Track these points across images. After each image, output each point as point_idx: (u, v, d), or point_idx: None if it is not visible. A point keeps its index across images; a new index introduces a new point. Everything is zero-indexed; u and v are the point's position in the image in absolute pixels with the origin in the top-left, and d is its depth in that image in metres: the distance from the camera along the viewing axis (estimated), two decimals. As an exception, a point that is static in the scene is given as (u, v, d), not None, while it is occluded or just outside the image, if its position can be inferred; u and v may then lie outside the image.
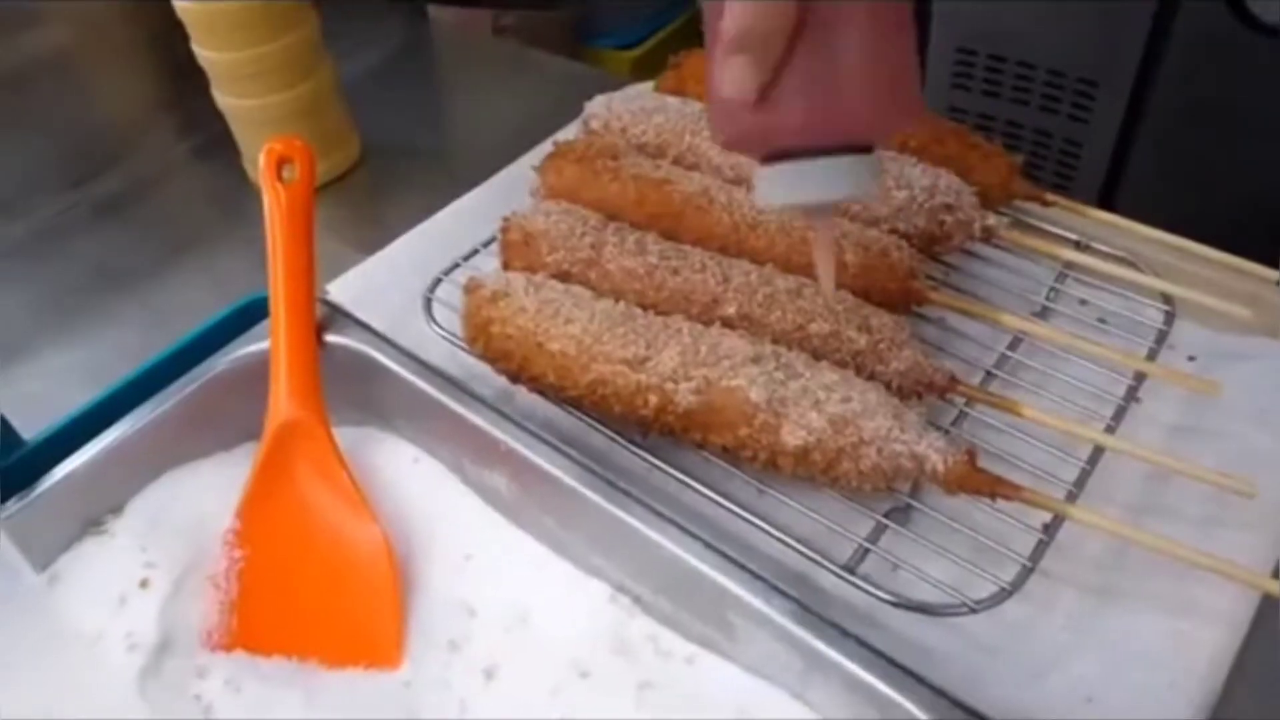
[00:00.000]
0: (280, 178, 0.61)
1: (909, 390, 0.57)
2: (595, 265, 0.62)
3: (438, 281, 0.71)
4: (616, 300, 0.59)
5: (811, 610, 0.45)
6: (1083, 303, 0.69)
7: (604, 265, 0.62)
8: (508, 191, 0.81)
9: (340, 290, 0.75)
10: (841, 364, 0.57)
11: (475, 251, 0.73)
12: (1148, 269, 0.67)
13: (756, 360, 0.53)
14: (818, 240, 0.45)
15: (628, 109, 0.73)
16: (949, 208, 0.65)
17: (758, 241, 0.63)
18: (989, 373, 0.63)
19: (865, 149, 0.38)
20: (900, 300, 0.63)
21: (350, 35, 1.04)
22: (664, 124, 0.72)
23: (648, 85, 0.80)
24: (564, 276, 0.62)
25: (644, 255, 0.61)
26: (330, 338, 0.60)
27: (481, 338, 0.59)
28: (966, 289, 0.69)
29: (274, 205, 0.60)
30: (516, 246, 0.65)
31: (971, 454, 0.51)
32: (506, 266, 0.66)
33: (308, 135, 0.87)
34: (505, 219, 0.67)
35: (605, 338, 0.56)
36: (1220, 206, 0.81)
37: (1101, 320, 0.68)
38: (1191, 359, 0.67)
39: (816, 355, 0.57)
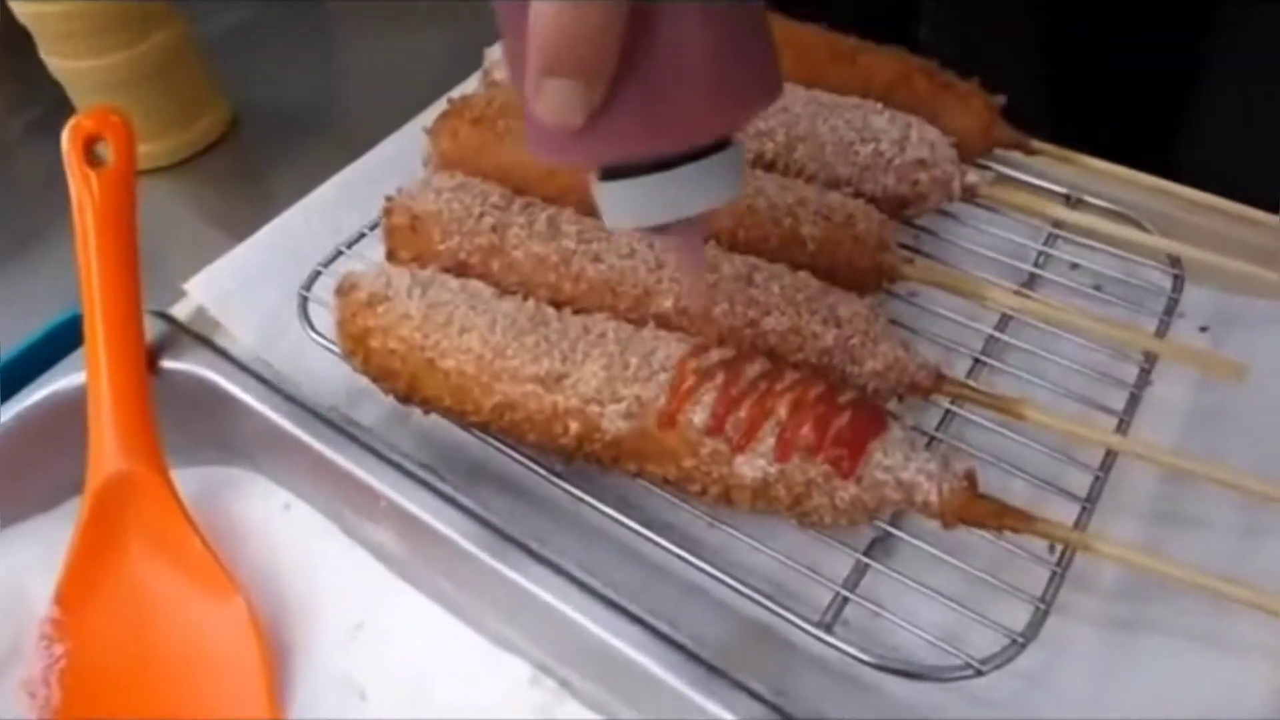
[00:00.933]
0: (91, 161, 0.48)
1: (887, 393, 0.47)
2: (498, 253, 0.50)
3: (315, 275, 0.59)
4: (525, 298, 0.48)
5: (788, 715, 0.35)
6: (1074, 267, 0.59)
7: (509, 253, 0.50)
8: (400, 159, 0.69)
9: (203, 288, 0.62)
10: (805, 366, 0.46)
11: (361, 236, 0.61)
12: (1151, 226, 0.58)
13: (701, 372, 0.42)
14: (682, 262, 0.36)
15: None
16: (923, 163, 0.54)
17: (696, 214, 0.52)
18: (977, 359, 0.53)
19: (722, 143, 0.32)
20: (870, 278, 0.52)
21: (211, -21, 0.89)
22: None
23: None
24: (461, 269, 0.51)
25: (558, 238, 0.50)
26: (167, 363, 0.47)
27: (360, 351, 0.48)
28: (942, 257, 0.59)
29: (83, 196, 0.47)
30: (402, 233, 0.53)
31: (971, 478, 0.41)
32: (391, 257, 0.54)
33: (160, 101, 0.74)
34: (388, 199, 0.55)
35: (511, 350, 0.44)
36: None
37: (1097, 287, 0.59)
38: (1204, 329, 0.57)
39: (774, 357, 0.46)
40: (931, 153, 0.54)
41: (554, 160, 0.32)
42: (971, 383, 0.49)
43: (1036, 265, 0.59)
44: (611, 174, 0.32)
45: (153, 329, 0.48)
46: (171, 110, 0.75)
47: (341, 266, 0.59)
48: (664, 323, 0.48)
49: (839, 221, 0.51)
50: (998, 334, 0.54)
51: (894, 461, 0.41)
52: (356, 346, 0.48)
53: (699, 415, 0.42)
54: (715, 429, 0.41)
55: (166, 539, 0.44)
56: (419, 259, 0.52)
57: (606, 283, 0.48)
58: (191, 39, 0.75)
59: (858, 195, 0.55)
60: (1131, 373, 0.52)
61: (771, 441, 0.41)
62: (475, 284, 0.48)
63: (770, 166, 0.56)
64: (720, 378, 0.42)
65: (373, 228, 0.61)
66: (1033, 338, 0.54)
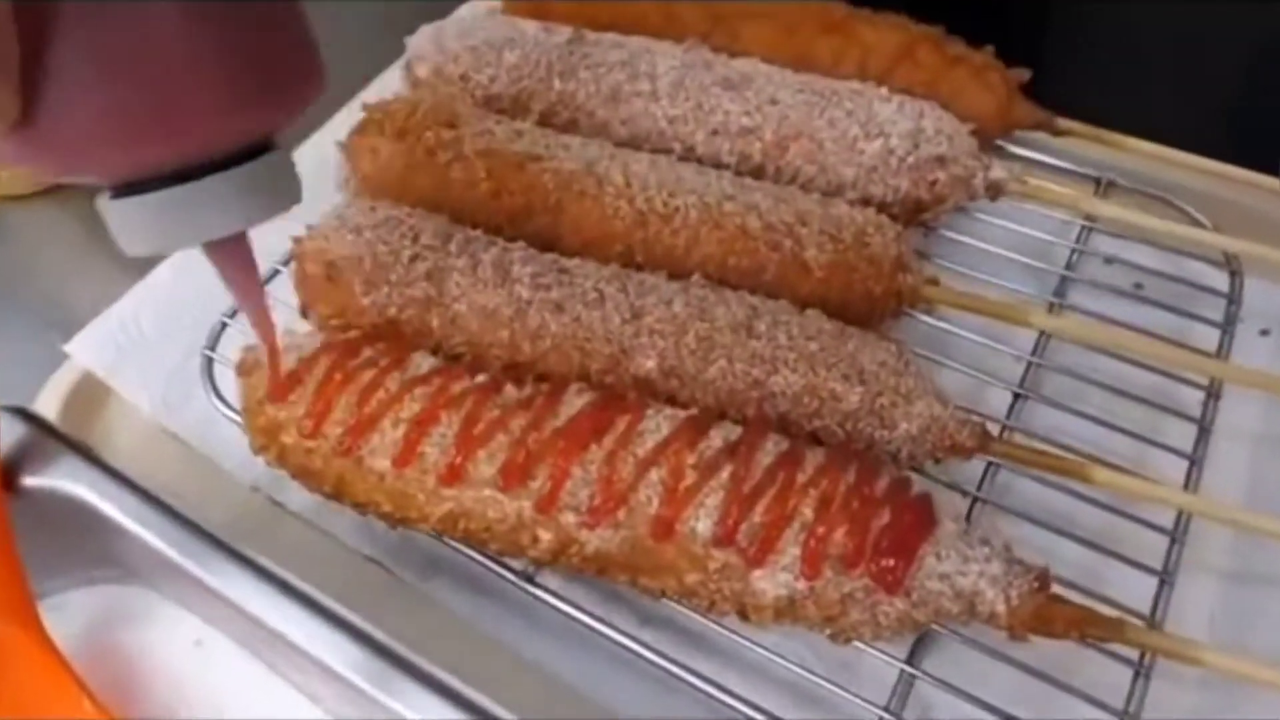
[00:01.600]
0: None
1: (923, 456, 0.39)
2: (436, 306, 0.41)
3: (220, 328, 0.49)
4: (472, 369, 0.38)
5: None
6: (1109, 261, 0.51)
7: (449, 306, 0.41)
8: (311, 176, 0.58)
9: (88, 348, 0.52)
10: (825, 434, 0.38)
11: (273, 274, 0.51)
12: (1202, 216, 0.50)
13: (702, 465, 0.34)
14: (234, 293, 0.30)
15: (466, 45, 0.51)
16: (940, 160, 0.45)
17: (676, 238, 0.43)
18: (1016, 394, 0.45)
19: (257, 149, 0.26)
20: (887, 305, 0.43)
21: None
22: (521, 63, 0.49)
23: (490, 5, 0.57)
24: (391, 328, 0.41)
25: (508, 284, 0.41)
26: (29, 480, 0.38)
27: (273, 447, 0.38)
28: (958, 262, 0.50)
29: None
30: (316, 283, 0.43)
31: (1044, 581, 0.33)
32: (306, 313, 0.44)
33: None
34: (295, 240, 0.45)
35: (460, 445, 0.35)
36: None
37: (1138, 285, 0.51)
38: (1265, 333, 0.50)
39: (786, 426, 0.38)
40: (950, 146, 0.45)
41: (27, 169, 0.26)
42: (1021, 439, 0.41)
43: (1068, 267, 0.50)
44: (124, 190, 0.26)
45: (10, 433, 0.39)
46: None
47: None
48: (647, 388, 0.39)
49: (849, 240, 0.42)
50: (1034, 358, 0.46)
51: (949, 567, 0.33)
52: (267, 441, 0.38)
53: (703, 523, 0.33)
54: (725, 539, 0.33)
55: (47, 704, 0.35)
56: (340, 315, 0.42)
57: (573, 339, 0.39)
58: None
59: (864, 201, 0.46)
60: (1192, 395, 0.45)
61: (796, 552, 0.33)
62: (413, 356, 0.38)
63: (758, 172, 0.47)
64: (726, 471, 0.33)
65: (286, 262, 0.51)
66: (1076, 358, 0.46)
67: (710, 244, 0.43)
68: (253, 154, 0.26)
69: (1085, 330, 0.44)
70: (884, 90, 0.47)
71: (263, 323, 0.31)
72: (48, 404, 0.50)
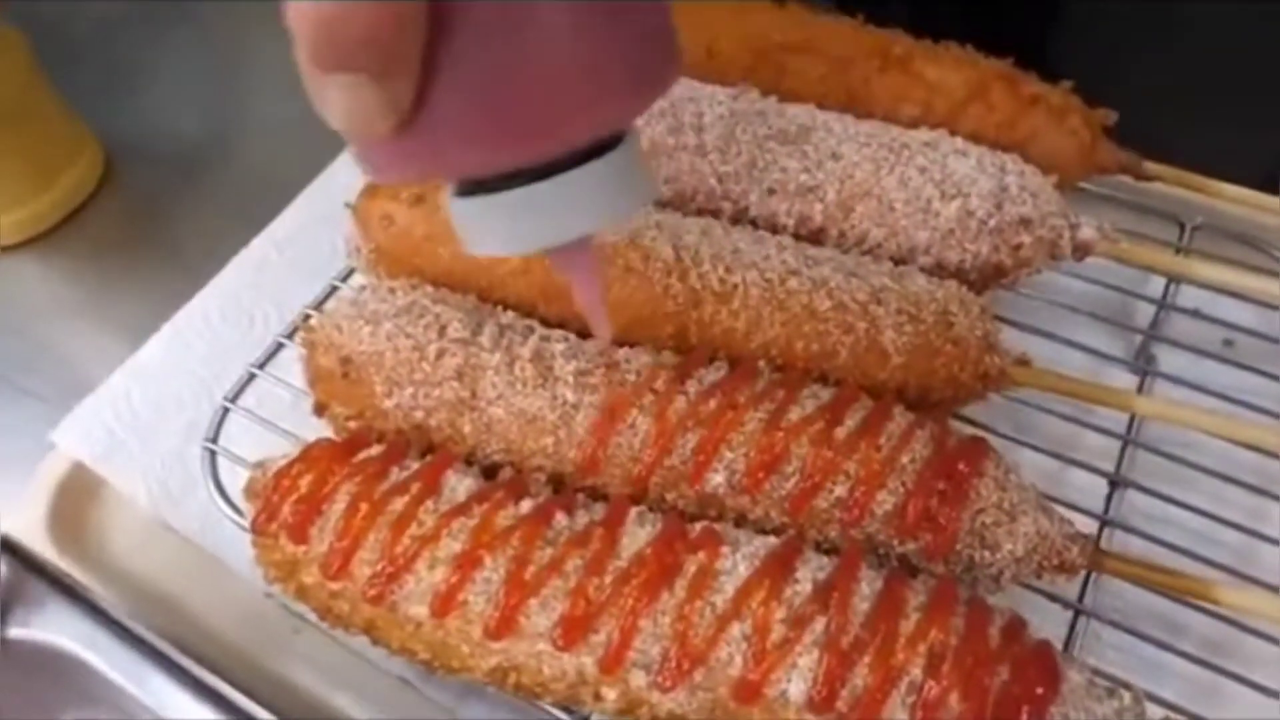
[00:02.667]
0: None
1: (1025, 577, 0.34)
2: (468, 409, 0.36)
3: (223, 415, 0.44)
4: (517, 491, 0.34)
5: None
6: (1196, 314, 0.47)
7: (483, 409, 0.36)
8: (319, 225, 0.54)
9: (77, 435, 0.47)
10: (917, 558, 0.33)
11: (277, 348, 0.46)
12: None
13: (792, 617, 0.29)
14: (577, 293, 0.28)
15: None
16: (1026, 222, 0.41)
17: (735, 320, 0.38)
18: (1113, 481, 0.40)
19: (606, 145, 0.25)
20: (972, 391, 0.39)
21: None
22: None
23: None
24: (418, 435, 0.37)
25: (550, 383, 0.36)
26: (15, 632, 0.33)
27: (291, 584, 0.34)
28: (1031, 324, 0.45)
29: None
30: (331, 381, 0.38)
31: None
32: (320, 412, 0.39)
33: (8, 159, 0.58)
34: (304, 329, 0.40)
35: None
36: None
37: (1228, 343, 0.46)
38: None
39: (875, 548, 0.33)
40: (1035, 205, 0.41)
41: (381, 180, 0.26)
42: (1121, 537, 0.37)
43: (1153, 325, 0.46)
44: (470, 189, 0.25)
45: (-11, 570, 0.34)
46: (27, 168, 0.58)
47: (256, 397, 0.45)
48: (713, 504, 0.34)
49: (930, 320, 0.38)
50: (1129, 437, 0.41)
51: (1080, 730, 0.28)
52: (286, 577, 0.34)
53: (795, 685, 0.29)
54: (822, 704, 0.28)
55: None
56: (359, 417, 0.38)
57: (626, 449, 0.35)
58: (38, 62, 0.58)
59: (937, 267, 0.41)
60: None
61: (905, 719, 0.28)
62: (447, 476, 0.33)
63: (819, 236, 0.42)
64: (820, 624, 0.29)
65: (291, 334, 0.46)
66: (1172, 432, 0.42)
67: (774, 326, 0.38)
68: (604, 148, 0.25)
69: (1183, 414, 0.39)
70: (959, 141, 0.42)
71: (602, 329, 0.29)
72: (36, 500, 0.45)
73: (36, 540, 0.43)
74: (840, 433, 0.34)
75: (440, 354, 0.37)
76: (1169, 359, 0.45)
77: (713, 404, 0.34)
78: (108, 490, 0.46)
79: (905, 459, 0.33)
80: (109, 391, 0.48)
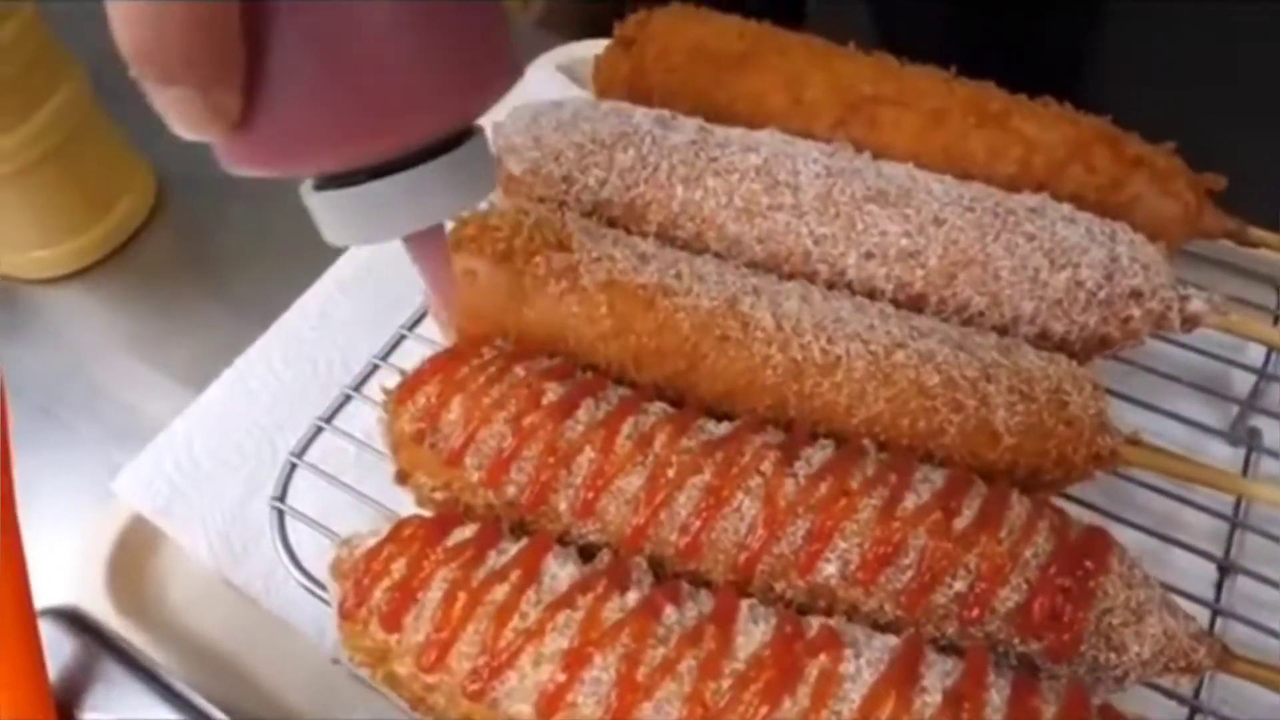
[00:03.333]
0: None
1: (1149, 678, 0.33)
2: (564, 488, 0.34)
3: (290, 471, 0.42)
4: (616, 580, 0.32)
5: None
6: (1296, 383, 0.45)
7: (579, 489, 0.34)
8: (389, 264, 0.52)
9: (137, 486, 0.46)
10: (1038, 658, 0.32)
11: (344, 401, 0.44)
12: None
13: (923, 733, 0.28)
14: (427, 280, 0.30)
15: (567, 137, 0.44)
16: (1137, 295, 0.39)
17: (837, 394, 0.37)
18: (1222, 566, 0.39)
19: (459, 137, 0.27)
20: (1084, 472, 0.37)
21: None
22: (637, 165, 0.43)
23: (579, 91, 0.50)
24: (509, 511, 0.35)
25: (649, 460, 0.34)
26: (89, 716, 0.31)
27: (379, 670, 0.32)
28: (1125, 391, 0.44)
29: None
30: (412, 448, 0.36)
31: None
32: (403, 480, 0.38)
33: (65, 190, 0.56)
34: (388, 393, 0.38)
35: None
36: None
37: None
38: None
39: (994, 645, 0.31)
40: (1146, 277, 0.39)
41: (237, 172, 0.26)
42: (1239, 630, 0.35)
43: (1254, 396, 0.44)
44: (325, 183, 0.27)
45: (60, 650, 0.32)
46: (81, 198, 0.56)
47: (320, 451, 0.43)
48: (825, 595, 0.33)
49: (1042, 400, 0.36)
50: (1237, 519, 0.40)
51: None
52: (375, 664, 0.32)
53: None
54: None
55: None
56: (445, 489, 0.36)
57: (733, 535, 0.33)
58: (95, 92, 0.56)
59: (1041, 336, 0.40)
60: None
61: None
62: (546, 562, 0.32)
63: (918, 302, 0.40)
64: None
65: (359, 385, 0.44)
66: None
67: (878, 402, 0.36)
68: (449, 145, 0.26)
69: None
70: (1066, 208, 0.40)
71: (449, 318, 0.31)
72: (96, 554, 0.44)
73: (97, 599, 0.42)
74: (959, 523, 0.32)
75: (534, 427, 0.35)
76: (1273, 433, 0.44)
77: (824, 489, 0.33)
78: (167, 544, 0.45)
79: (1028, 553, 0.32)
80: (170, 440, 0.46)
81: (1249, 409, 0.44)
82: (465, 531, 0.33)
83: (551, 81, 0.56)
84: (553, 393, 0.36)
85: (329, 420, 0.44)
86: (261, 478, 0.45)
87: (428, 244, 0.29)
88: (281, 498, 0.41)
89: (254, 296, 0.55)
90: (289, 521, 0.41)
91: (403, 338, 0.46)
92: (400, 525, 0.33)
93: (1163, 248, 0.41)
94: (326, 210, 0.27)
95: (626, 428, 0.35)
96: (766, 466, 0.34)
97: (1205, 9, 0.52)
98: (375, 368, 0.44)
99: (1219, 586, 0.38)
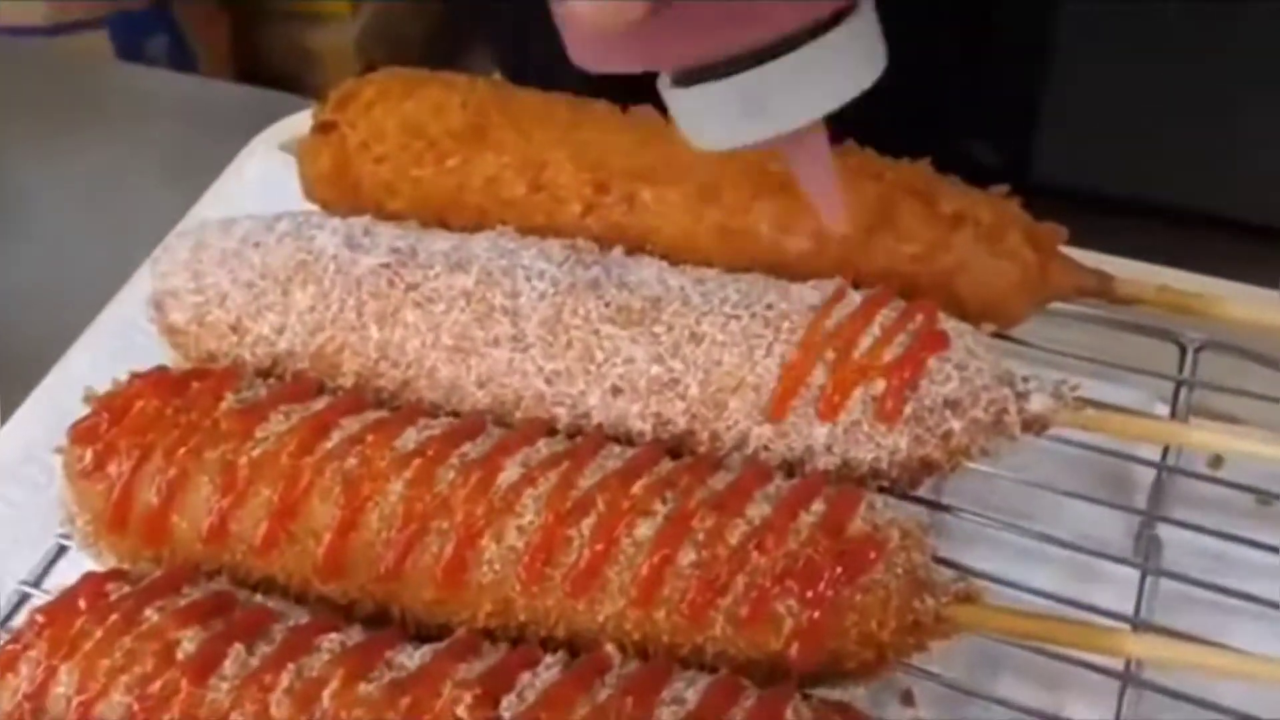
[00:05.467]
0: None
1: None
2: None
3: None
4: None
5: None
6: (1216, 462, 0.36)
7: None
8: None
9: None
10: None
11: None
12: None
13: None
14: (809, 179, 0.26)
15: (233, 273, 0.34)
16: (953, 405, 0.30)
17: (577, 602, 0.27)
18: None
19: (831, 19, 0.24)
20: (902, 649, 0.28)
21: None
22: (317, 304, 0.33)
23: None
24: None
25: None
26: None
27: None
28: (979, 503, 0.34)
29: None
30: None
31: None
32: None
33: None
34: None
35: None
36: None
37: (1263, 500, 0.35)
38: None
39: None
40: (962, 382, 0.30)
41: (598, 69, 0.24)
42: None
43: (1155, 489, 0.35)
44: (692, 77, 0.25)
45: None
46: None
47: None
48: None
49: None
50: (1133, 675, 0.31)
51: None
52: None
53: None
54: None
55: None
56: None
57: None
58: None
59: (844, 468, 0.31)
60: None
61: None
62: None
63: (685, 441, 0.31)
64: None
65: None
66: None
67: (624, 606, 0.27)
68: (829, 25, 0.24)
69: (1197, 656, 0.28)
70: (858, 298, 0.31)
71: (839, 219, 0.28)
72: None
73: None
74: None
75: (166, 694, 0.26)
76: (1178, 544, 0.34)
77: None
78: None
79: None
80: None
81: (1151, 519, 0.35)
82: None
83: (269, 164, 0.47)
84: (189, 642, 0.27)
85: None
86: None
87: (810, 143, 0.26)
88: None
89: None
90: None
91: (64, 549, 0.35)
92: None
93: (993, 330, 0.32)
94: (695, 110, 0.25)
95: (286, 679, 0.26)
96: (463, 712, 0.25)
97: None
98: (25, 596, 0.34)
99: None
